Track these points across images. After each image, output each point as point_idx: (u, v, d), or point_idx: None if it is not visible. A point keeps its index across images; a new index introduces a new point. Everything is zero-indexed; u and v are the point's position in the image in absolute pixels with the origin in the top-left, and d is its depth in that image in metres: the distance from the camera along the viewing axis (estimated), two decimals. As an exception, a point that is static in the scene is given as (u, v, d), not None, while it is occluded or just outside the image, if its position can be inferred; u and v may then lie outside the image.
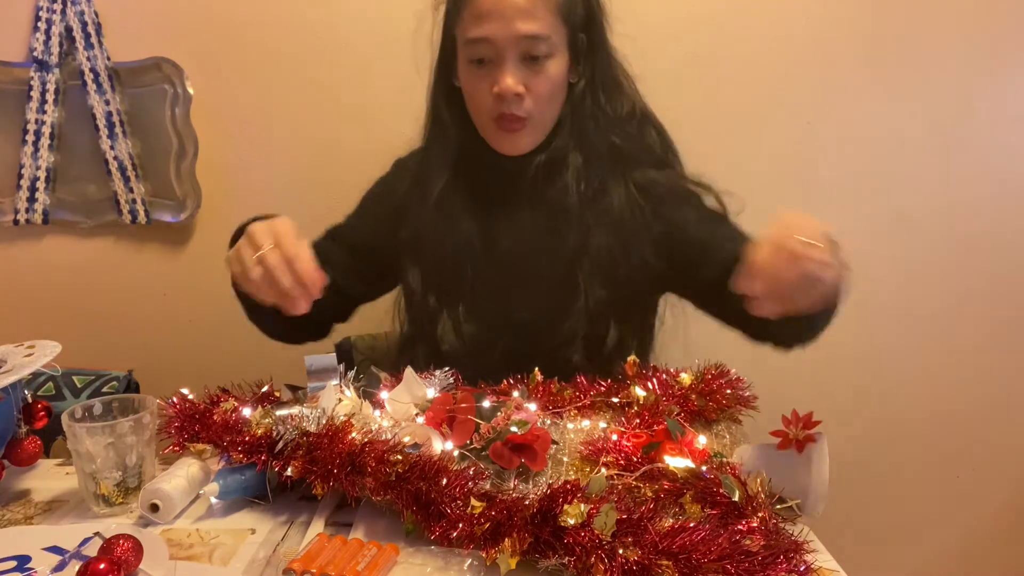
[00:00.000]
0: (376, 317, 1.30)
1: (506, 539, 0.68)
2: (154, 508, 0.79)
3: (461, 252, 1.12)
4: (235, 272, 0.91)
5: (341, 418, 0.82)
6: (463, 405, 0.87)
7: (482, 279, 1.13)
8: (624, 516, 0.66)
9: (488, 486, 0.76)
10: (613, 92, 1.12)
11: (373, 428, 0.83)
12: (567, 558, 0.65)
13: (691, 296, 1.16)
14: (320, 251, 0.93)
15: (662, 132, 1.16)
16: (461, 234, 1.12)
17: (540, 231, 1.12)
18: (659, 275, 1.12)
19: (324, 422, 0.81)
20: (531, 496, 0.71)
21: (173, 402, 0.91)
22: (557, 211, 1.11)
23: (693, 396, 0.96)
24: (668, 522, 0.67)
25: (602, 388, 0.98)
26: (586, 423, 0.92)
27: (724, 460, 0.81)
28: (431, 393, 0.92)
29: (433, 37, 1.13)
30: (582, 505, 0.66)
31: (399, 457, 0.76)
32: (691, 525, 0.66)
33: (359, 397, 0.92)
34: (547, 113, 1.08)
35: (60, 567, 0.70)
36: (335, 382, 0.92)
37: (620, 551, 0.63)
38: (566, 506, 0.65)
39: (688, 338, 1.21)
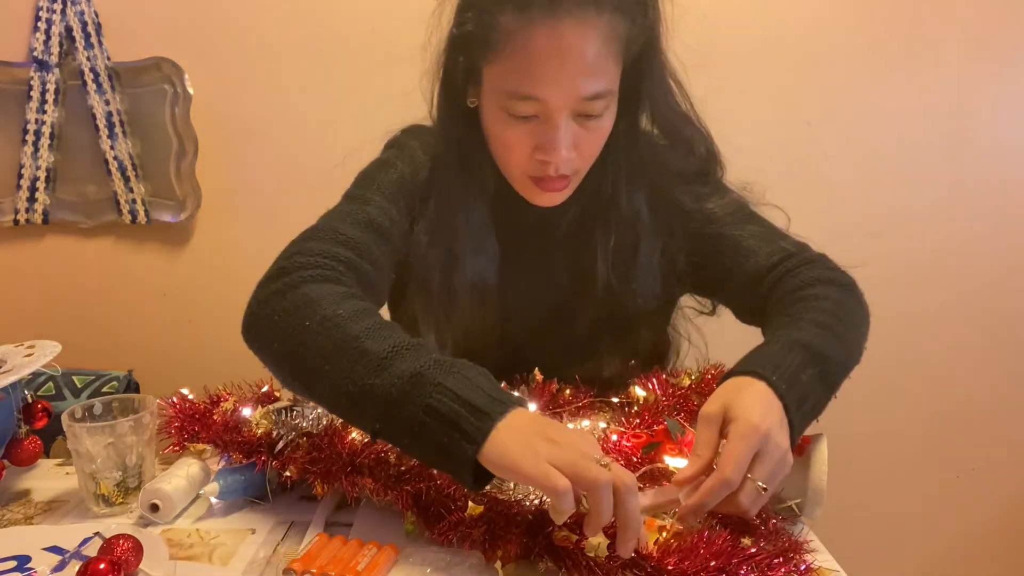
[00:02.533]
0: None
1: (503, 544, 0.67)
2: (154, 508, 0.79)
3: (460, 286, 0.98)
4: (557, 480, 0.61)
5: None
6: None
7: (475, 314, 1.00)
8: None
9: (487, 486, 0.76)
10: (666, 122, 0.96)
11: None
12: (561, 571, 0.65)
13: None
14: (365, 250, 0.87)
15: (710, 147, 1.01)
16: (468, 269, 0.98)
17: (558, 282, 1.03)
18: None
19: (324, 422, 0.81)
20: (531, 497, 0.72)
21: (173, 402, 0.91)
22: (582, 270, 1.01)
23: (693, 396, 0.95)
24: (666, 523, 0.67)
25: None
26: (586, 423, 0.92)
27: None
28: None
29: (431, 40, 0.94)
30: (572, 535, 0.65)
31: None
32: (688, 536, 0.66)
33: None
34: (591, 163, 0.93)
35: (60, 567, 0.70)
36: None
37: (617, 571, 0.63)
38: (557, 532, 0.65)
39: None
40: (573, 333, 1.04)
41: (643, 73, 0.90)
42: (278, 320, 0.77)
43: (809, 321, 0.82)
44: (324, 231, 0.89)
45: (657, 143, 1.00)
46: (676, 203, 1.01)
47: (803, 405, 0.73)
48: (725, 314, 1.08)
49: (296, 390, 0.80)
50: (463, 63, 0.90)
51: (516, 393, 0.80)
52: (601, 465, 0.62)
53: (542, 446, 0.62)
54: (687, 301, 1.14)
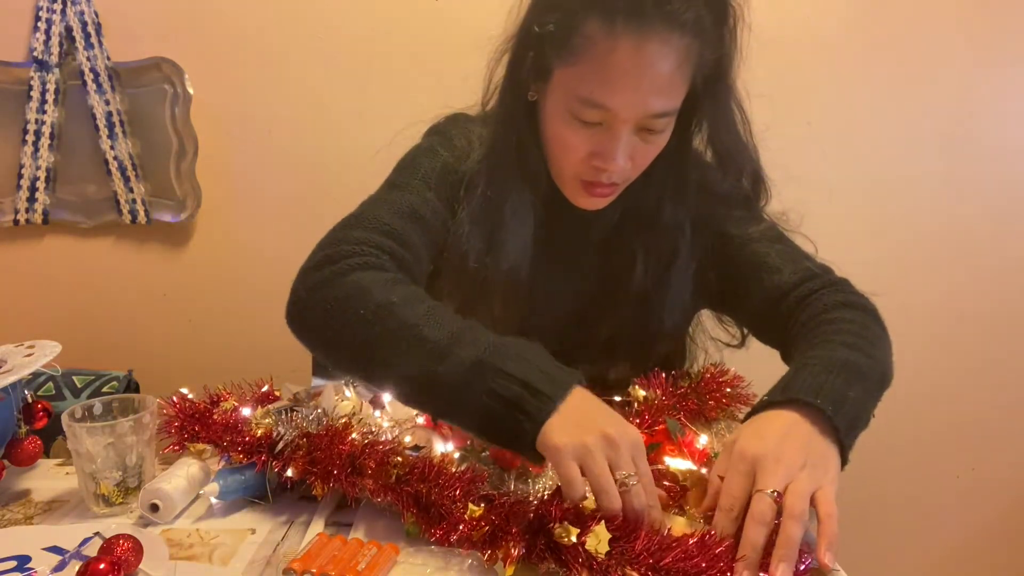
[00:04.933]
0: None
1: (503, 545, 0.67)
2: (154, 508, 0.79)
3: (492, 274, 0.97)
4: (569, 482, 0.67)
5: (341, 419, 0.82)
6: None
7: (501, 309, 0.99)
8: (617, 527, 0.65)
9: (488, 487, 0.76)
10: (722, 145, 0.95)
11: (373, 429, 0.83)
12: (562, 570, 0.65)
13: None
14: (407, 240, 0.87)
15: (761, 177, 1.01)
16: (505, 258, 0.97)
17: (587, 285, 1.03)
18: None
19: (324, 422, 0.81)
20: (531, 497, 0.71)
21: (173, 402, 0.91)
22: (612, 275, 1.02)
23: (693, 395, 0.96)
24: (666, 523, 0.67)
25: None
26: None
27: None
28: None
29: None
30: (573, 528, 0.65)
31: (399, 459, 0.76)
32: (689, 533, 0.66)
33: (359, 397, 0.91)
34: (639, 174, 0.94)
35: (60, 567, 0.70)
36: (338, 382, 0.91)
37: (616, 568, 0.63)
38: (558, 527, 0.65)
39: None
40: (592, 335, 1.04)
41: (706, 95, 0.90)
42: (330, 308, 0.80)
43: (840, 343, 0.82)
44: (367, 219, 0.89)
45: (706, 163, 0.99)
46: (716, 224, 1.01)
47: (855, 425, 0.75)
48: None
49: (352, 375, 0.83)
50: (532, 59, 0.90)
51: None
52: (626, 482, 0.66)
53: (583, 448, 0.67)
54: (716, 333, 1.13)
